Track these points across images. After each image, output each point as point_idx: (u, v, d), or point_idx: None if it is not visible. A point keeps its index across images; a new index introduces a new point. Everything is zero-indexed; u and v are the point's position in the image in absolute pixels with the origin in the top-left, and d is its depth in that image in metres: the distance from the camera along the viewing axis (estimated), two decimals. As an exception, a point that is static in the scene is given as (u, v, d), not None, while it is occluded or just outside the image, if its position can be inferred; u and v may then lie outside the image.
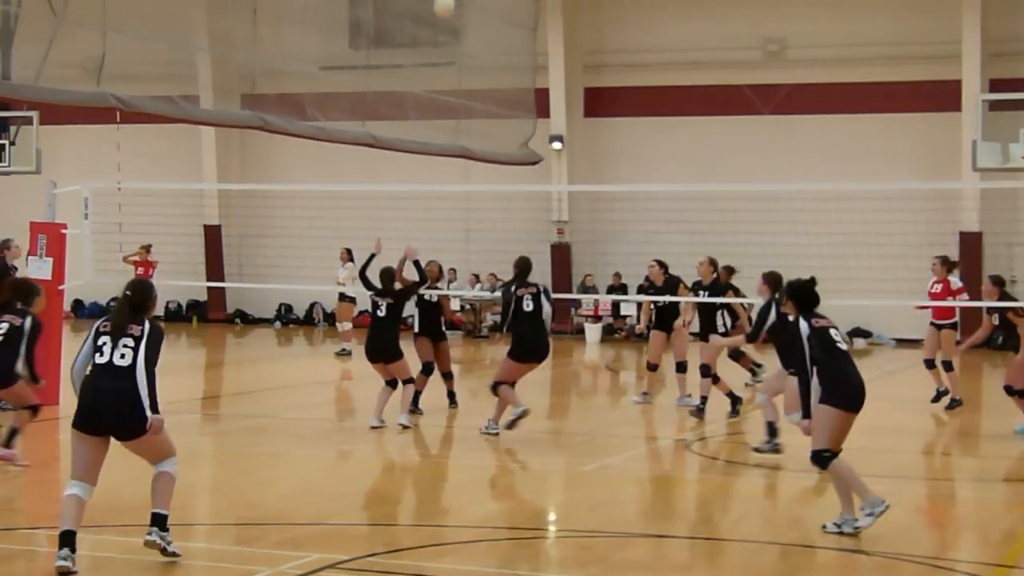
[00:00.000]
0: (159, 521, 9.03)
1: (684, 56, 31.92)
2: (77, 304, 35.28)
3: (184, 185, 32.91)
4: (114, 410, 8.81)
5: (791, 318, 10.62)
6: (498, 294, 17.34)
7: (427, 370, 16.94)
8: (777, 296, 13.72)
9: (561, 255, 32.70)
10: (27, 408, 12.86)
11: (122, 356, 8.86)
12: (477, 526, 10.85)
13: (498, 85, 24.02)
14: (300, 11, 21.48)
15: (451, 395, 17.57)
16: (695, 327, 17.49)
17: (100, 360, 8.91)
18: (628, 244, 29.22)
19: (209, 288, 34.49)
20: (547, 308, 15.16)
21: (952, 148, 28.82)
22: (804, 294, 10.54)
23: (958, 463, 15.05)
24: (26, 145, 28.52)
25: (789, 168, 30.51)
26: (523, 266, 15.42)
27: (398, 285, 16.18)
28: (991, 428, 16.52)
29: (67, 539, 8.64)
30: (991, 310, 16.19)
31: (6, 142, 28.55)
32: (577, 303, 31.89)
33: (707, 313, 17.17)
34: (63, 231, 17.81)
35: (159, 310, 9.58)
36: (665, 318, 18.03)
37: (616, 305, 31.60)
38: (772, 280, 14.09)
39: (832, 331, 10.34)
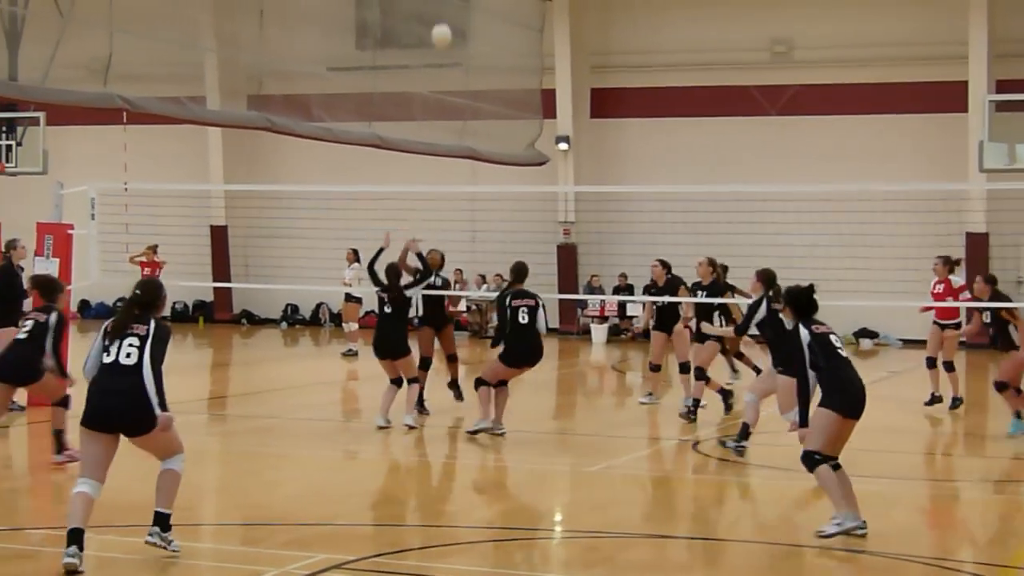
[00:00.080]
0: (161, 521, 9.09)
1: (691, 57, 31.91)
2: (84, 304, 35.32)
3: (191, 186, 32.96)
4: (121, 407, 8.90)
5: (787, 322, 10.59)
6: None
7: (425, 365, 16.92)
8: (771, 293, 13.74)
9: (567, 256, 32.71)
10: (58, 405, 12.86)
11: (128, 355, 8.94)
12: (483, 526, 10.86)
13: (504, 86, 24.00)
14: (307, 12, 21.48)
15: (455, 384, 17.53)
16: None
17: (107, 360, 9.00)
18: (634, 245, 29.19)
19: (215, 289, 34.53)
20: (542, 324, 15.17)
21: (959, 149, 28.80)
22: (803, 301, 10.51)
23: (963, 464, 15.03)
24: (33, 146, 28.63)
25: (796, 169, 30.50)
26: (519, 271, 15.40)
27: (405, 279, 16.15)
28: (997, 429, 16.49)
29: (75, 537, 8.68)
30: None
31: (13, 143, 28.65)
32: (583, 304, 31.90)
33: (704, 314, 17.19)
34: (70, 232, 17.84)
35: (166, 310, 9.61)
36: (666, 318, 18.03)
37: (622, 306, 31.61)
38: (766, 277, 14.11)
39: (832, 337, 10.30)
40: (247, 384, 22.67)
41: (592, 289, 31.88)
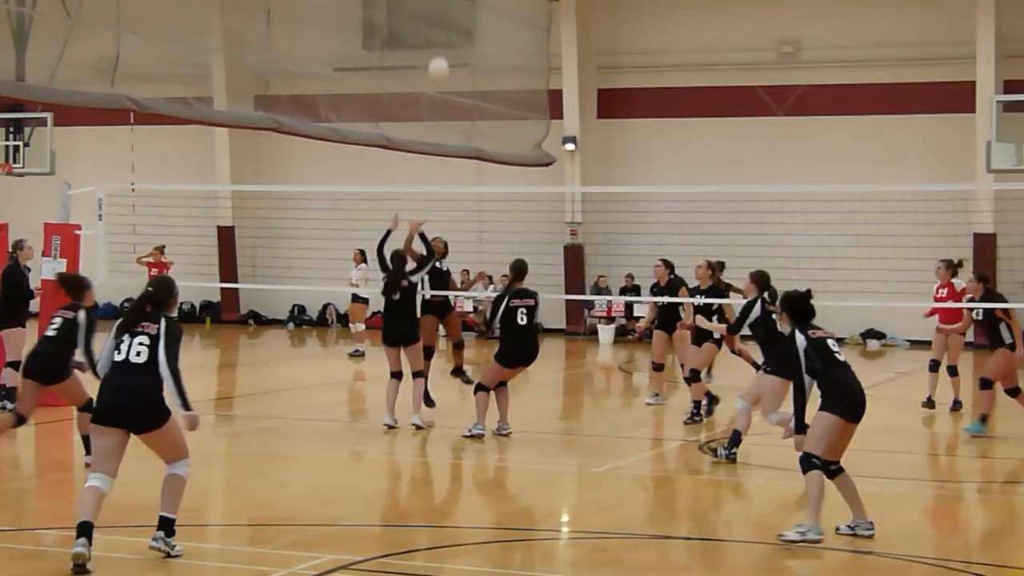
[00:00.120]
0: (165, 525, 9.15)
1: (697, 57, 31.90)
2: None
3: (198, 186, 32.95)
4: (131, 405, 9.03)
5: (781, 327, 10.54)
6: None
7: (428, 355, 16.88)
8: (767, 295, 13.74)
9: (574, 256, 32.70)
10: (83, 410, 12.32)
11: (138, 354, 9.08)
12: (490, 527, 10.87)
13: (511, 87, 24.03)
14: (313, 12, 21.51)
15: (461, 371, 17.53)
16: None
17: (118, 358, 9.13)
18: (641, 245, 29.14)
19: (222, 289, 34.54)
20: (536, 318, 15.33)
21: (966, 149, 28.77)
22: (800, 306, 10.47)
23: (969, 465, 15.00)
24: (40, 146, 28.68)
25: (803, 169, 30.46)
26: (518, 269, 15.41)
27: (410, 265, 16.07)
28: (1002, 430, 16.48)
29: (84, 529, 8.78)
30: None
31: (20, 143, 28.70)
32: (590, 304, 31.89)
33: (702, 314, 17.18)
34: (77, 232, 17.85)
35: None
36: (666, 319, 18.02)
37: (629, 306, 31.58)
38: (759, 279, 14.09)
39: (830, 341, 10.27)
40: (254, 385, 22.68)
41: (599, 290, 31.88)
